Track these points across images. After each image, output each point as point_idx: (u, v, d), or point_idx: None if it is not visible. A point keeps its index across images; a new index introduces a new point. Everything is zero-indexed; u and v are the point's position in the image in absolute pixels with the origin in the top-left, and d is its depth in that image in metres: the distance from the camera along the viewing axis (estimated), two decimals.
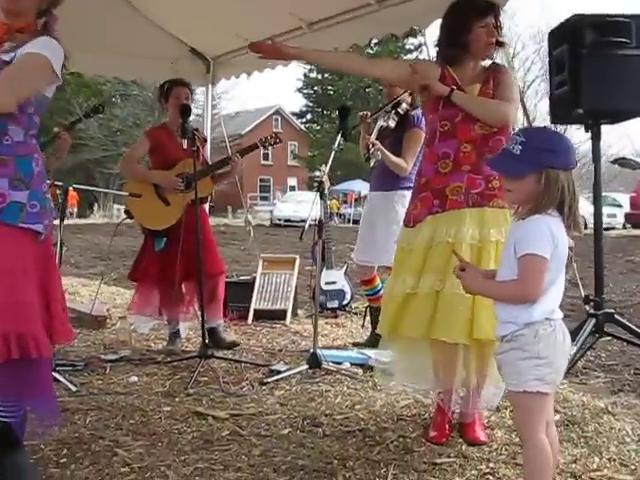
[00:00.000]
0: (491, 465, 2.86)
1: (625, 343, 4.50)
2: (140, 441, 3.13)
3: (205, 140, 5.30)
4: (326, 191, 4.52)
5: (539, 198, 2.20)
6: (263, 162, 47.67)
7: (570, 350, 2.32)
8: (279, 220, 27.45)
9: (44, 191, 2.52)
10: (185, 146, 4.75)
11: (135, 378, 4.18)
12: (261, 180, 48.18)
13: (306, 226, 4.35)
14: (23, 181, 2.43)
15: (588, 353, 4.84)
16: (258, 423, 3.38)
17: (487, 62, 3.31)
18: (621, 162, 6.15)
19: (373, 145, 4.67)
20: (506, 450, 3.02)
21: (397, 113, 4.86)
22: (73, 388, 3.88)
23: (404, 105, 4.84)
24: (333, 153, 4.53)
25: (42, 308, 2.45)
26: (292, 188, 43.87)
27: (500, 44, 3.23)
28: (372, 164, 4.97)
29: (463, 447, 3.07)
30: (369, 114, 4.91)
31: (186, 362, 4.50)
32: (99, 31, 5.72)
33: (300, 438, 3.18)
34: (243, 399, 3.78)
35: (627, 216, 21.33)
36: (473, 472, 2.80)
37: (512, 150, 2.23)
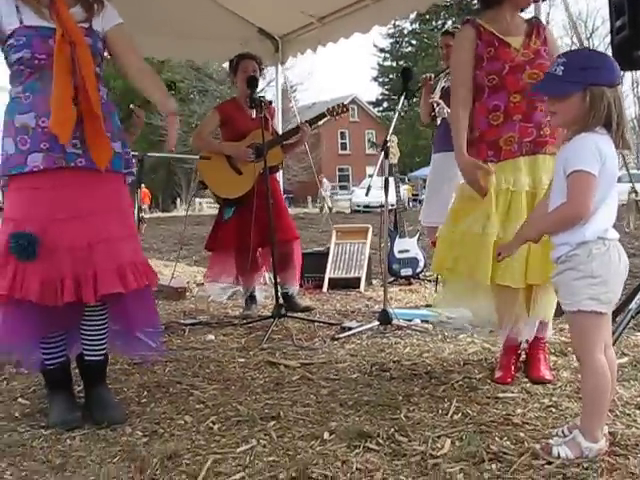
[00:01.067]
0: (554, 399, 2.90)
1: None
2: (214, 385, 3.29)
3: (273, 108, 5.43)
4: (394, 151, 4.57)
5: (585, 117, 2.23)
6: (341, 152, 47.86)
7: (626, 270, 2.32)
8: (358, 206, 27.55)
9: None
10: (254, 116, 4.89)
11: (212, 336, 4.37)
12: (339, 170, 48.32)
13: (371, 180, 4.43)
14: (117, 134, 2.85)
15: None
16: (327, 369, 3.50)
17: (525, 15, 3.33)
18: None
19: (438, 104, 4.71)
20: (570, 387, 3.05)
21: None
22: (153, 345, 4.08)
23: None
24: (396, 114, 4.61)
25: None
26: (370, 176, 43.85)
27: None
28: (438, 123, 5.01)
29: (527, 385, 3.11)
30: (432, 76, 4.96)
31: (261, 323, 4.66)
32: (169, 15, 5.94)
33: (367, 380, 3.29)
34: (315, 352, 3.90)
35: None
36: (535, 405, 2.84)
37: (554, 72, 2.28)
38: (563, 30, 32.75)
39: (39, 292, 2.63)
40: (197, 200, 30.37)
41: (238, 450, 2.45)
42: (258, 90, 4.91)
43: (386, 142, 4.48)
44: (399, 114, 4.59)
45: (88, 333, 2.91)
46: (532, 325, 3.20)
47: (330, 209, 24.93)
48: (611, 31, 3.93)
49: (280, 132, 5.55)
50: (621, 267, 2.30)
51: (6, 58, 2.75)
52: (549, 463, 2.21)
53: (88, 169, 2.73)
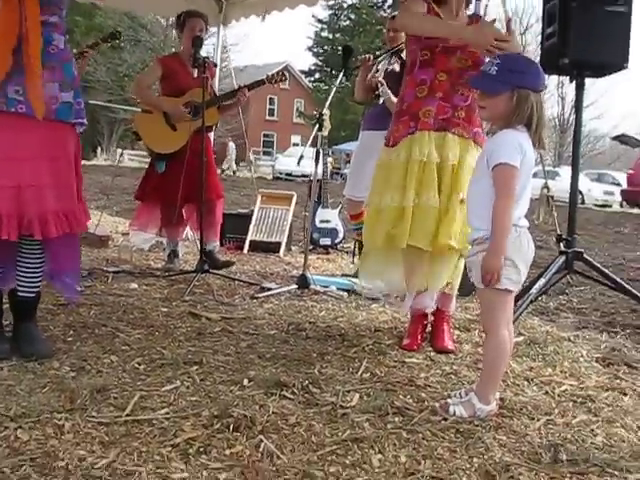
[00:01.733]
0: (455, 367, 3.17)
1: (594, 283, 4.77)
2: (138, 330, 3.45)
3: (215, 66, 5.53)
4: (326, 124, 4.77)
5: (510, 115, 2.49)
6: (268, 117, 47.77)
7: (532, 256, 2.60)
8: (280, 174, 27.71)
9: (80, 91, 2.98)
10: (195, 75, 4.98)
11: (135, 285, 4.51)
12: (265, 135, 48.25)
13: (303, 153, 4.60)
14: (69, 84, 2.90)
15: (561, 297, 5.18)
16: (247, 325, 3.70)
17: (469, 12, 3.57)
18: (622, 139, 6.40)
19: (382, 84, 4.88)
20: (470, 358, 3.34)
21: (400, 58, 5.11)
22: (78, 289, 4.18)
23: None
24: (333, 90, 4.80)
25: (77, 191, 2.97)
26: (295, 145, 43.98)
27: None
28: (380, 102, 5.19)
29: (432, 354, 3.38)
30: (371, 57, 5.14)
31: (183, 276, 4.81)
32: None
33: (284, 337, 3.50)
34: (235, 308, 4.09)
35: (623, 193, 21.52)
36: (437, 371, 3.11)
37: (488, 71, 2.52)
38: (498, 24, 33.28)
39: None
40: (118, 150, 29.89)
41: (163, 389, 2.63)
42: None
43: (321, 115, 4.66)
44: (335, 90, 4.77)
45: (24, 269, 3.01)
46: (431, 295, 3.49)
47: (234, 172, 24.96)
48: (542, 37, 4.21)
49: (216, 92, 5.65)
50: (529, 253, 2.58)
51: None
52: (445, 419, 2.48)
53: (28, 116, 2.79)
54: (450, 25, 3.30)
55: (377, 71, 5.06)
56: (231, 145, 29.34)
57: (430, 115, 3.32)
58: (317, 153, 4.65)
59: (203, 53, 5.04)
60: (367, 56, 5.17)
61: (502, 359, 2.58)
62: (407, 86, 3.45)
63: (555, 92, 39.28)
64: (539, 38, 4.53)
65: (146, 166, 5.39)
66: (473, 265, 2.62)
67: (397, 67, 5.09)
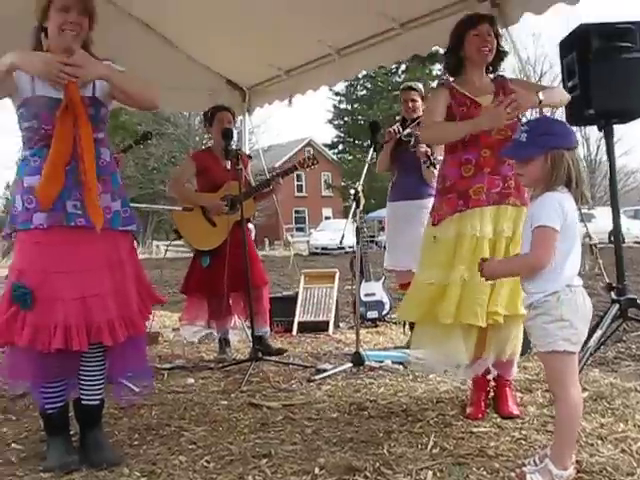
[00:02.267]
0: (523, 432, 3.13)
1: None
2: (202, 426, 3.45)
3: (250, 157, 5.67)
4: (362, 202, 4.83)
5: (548, 178, 2.52)
6: (297, 194, 48.28)
7: (590, 313, 2.59)
8: (316, 249, 27.86)
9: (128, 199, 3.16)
10: (229, 167, 5.09)
11: (192, 380, 4.53)
12: (296, 212, 48.69)
13: (344, 231, 4.66)
14: (117, 193, 3.05)
15: (619, 345, 5.10)
16: (308, 410, 3.69)
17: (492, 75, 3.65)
18: None
19: (432, 153, 4.95)
20: (537, 421, 3.29)
21: None
22: (136, 389, 4.22)
23: None
24: (366, 166, 4.87)
25: (137, 294, 3.08)
26: (327, 218, 44.29)
27: (500, 53, 3.57)
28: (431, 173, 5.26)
29: (498, 420, 3.35)
30: (399, 130, 5.23)
31: (238, 366, 4.83)
32: (140, 67, 6.11)
33: (347, 419, 3.48)
34: (293, 393, 4.09)
35: None
36: (507, 438, 3.07)
37: (519, 139, 2.57)
38: (513, 74, 33.65)
39: (30, 338, 2.81)
40: (154, 243, 30.37)
41: None
42: None
43: (357, 193, 4.73)
44: (368, 165, 4.85)
45: (86, 378, 3.06)
46: (490, 362, 3.47)
47: (292, 245, 25.15)
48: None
49: (251, 182, 5.76)
50: (586, 310, 2.58)
51: (18, 123, 2.96)
52: None
53: (86, 228, 2.91)
54: (466, 124, 3.36)
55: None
56: (250, 227, 29.66)
57: (482, 192, 3.37)
58: (357, 231, 4.70)
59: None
60: (394, 129, 5.26)
61: (575, 421, 2.55)
62: (449, 165, 3.51)
63: (578, 133, 39.34)
64: (554, 84, 4.58)
65: (182, 255, 5.49)
66: (532, 330, 2.62)
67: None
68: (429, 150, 4.99)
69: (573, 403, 2.52)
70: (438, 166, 5.01)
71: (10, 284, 2.86)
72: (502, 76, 3.65)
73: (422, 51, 5.13)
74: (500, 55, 3.57)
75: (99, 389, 3.10)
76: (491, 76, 3.62)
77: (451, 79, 3.60)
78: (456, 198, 3.43)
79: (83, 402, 3.09)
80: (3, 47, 2.86)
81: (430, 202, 5.03)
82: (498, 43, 3.52)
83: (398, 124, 5.35)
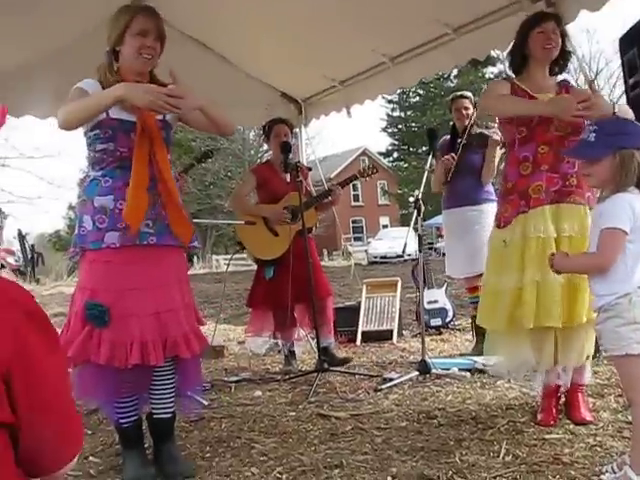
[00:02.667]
0: (598, 439, 3.07)
1: None
2: (272, 438, 3.48)
3: (310, 169, 5.70)
4: (422, 209, 4.82)
5: (617, 178, 2.47)
6: (354, 203, 48.28)
7: None
8: (375, 258, 27.83)
9: None
10: (289, 180, 5.14)
11: (259, 392, 4.56)
12: (353, 221, 48.69)
13: (407, 239, 4.66)
14: None
15: None
16: (377, 419, 3.68)
17: (559, 77, 3.60)
18: None
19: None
20: (612, 427, 3.23)
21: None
22: (205, 402, 4.28)
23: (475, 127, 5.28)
24: (426, 173, 4.87)
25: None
26: (385, 227, 44.17)
27: (566, 54, 3.53)
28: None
29: (570, 426, 3.29)
30: (453, 158, 5.21)
31: (304, 378, 4.85)
32: (195, 84, 6.22)
33: (417, 428, 3.47)
34: (361, 403, 4.08)
35: None
36: (581, 445, 3.01)
37: (587, 138, 2.53)
38: (568, 73, 33.19)
39: (108, 355, 2.88)
40: (214, 257, 30.74)
41: None
42: None
43: (417, 200, 4.72)
44: (428, 173, 4.86)
45: (158, 392, 3.12)
46: (566, 370, 3.40)
47: (352, 255, 25.16)
48: (625, 88, 4.17)
49: (312, 193, 5.79)
50: None
51: (89, 145, 3.03)
52: None
53: (157, 245, 3.01)
54: (528, 102, 3.35)
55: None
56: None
57: (541, 190, 3.32)
58: (419, 238, 4.69)
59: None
60: (448, 158, 5.25)
61: None
62: (509, 165, 3.48)
63: None
64: (611, 81, 4.48)
65: (242, 269, 5.55)
66: (603, 333, 2.57)
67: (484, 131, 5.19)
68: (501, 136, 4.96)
69: None
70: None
71: (83, 303, 2.92)
72: (567, 81, 3.61)
73: (479, 55, 5.09)
74: (565, 55, 3.52)
75: (171, 402, 3.16)
76: (559, 78, 3.58)
77: (513, 76, 3.58)
78: (518, 199, 3.40)
79: (155, 416, 3.15)
80: (61, 75, 2.97)
81: (485, 206, 5.08)
82: (564, 43, 3.48)
83: (452, 154, 5.32)
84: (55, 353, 0.93)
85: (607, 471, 2.57)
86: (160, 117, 3.05)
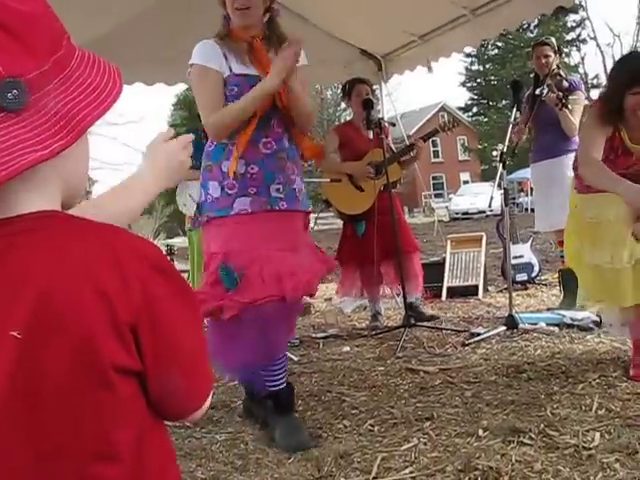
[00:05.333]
0: None
1: None
2: (362, 392, 3.55)
3: (393, 125, 5.68)
4: (507, 163, 4.76)
5: None
6: (434, 160, 47.80)
7: None
8: (457, 214, 27.58)
9: None
10: (371, 137, 5.13)
11: (347, 348, 4.63)
12: (433, 178, 48.23)
13: (493, 191, 4.63)
14: (301, 175, 3.14)
15: None
16: (466, 373, 3.70)
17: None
18: None
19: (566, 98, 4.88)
20: None
21: (559, 75, 5.15)
22: (295, 358, 4.38)
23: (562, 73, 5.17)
24: (510, 127, 4.79)
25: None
26: (465, 182, 43.59)
27: None
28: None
29: None
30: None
31: (391, 333, 4.89)
32: None
33: (506, 382, 3.47)
34: (449, 358, 4.11)
35: None
36: None
37: None
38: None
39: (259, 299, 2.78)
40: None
41: (402, 448, 2.69)
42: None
43: (502, 153, 4.67)
44: (512, 127, 4.78)
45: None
46: None
47: (434, 211, 24.94)
48: None
49: (393, 149, 5.78)
50: None
51: None
52: None
53: (287, 210, 2.96)
54: (616, 184, 3.14)
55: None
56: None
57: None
58: (505, 192, 4.64)
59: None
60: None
61: None
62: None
63: None
64: None
65: (330, 227, 5.59)
66: None
67: (565, 82, 5.08)
68: (560, 93, 4.87)
69: None
70: (570, 106, 4.93)
71: (215, 268, 2.87)
72: None
73: (566, 2, 4.95)
74: None
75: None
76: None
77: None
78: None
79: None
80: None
81: (570, 158, 4.98)
82: None
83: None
84: (185, 307, 0.98)
85: None
86: None
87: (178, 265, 6.50)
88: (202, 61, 2.93)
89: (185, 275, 5.87)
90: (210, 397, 1.06)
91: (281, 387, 3.07)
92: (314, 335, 5.20)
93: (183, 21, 5.18)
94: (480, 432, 2.75)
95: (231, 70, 2.92)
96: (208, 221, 2.96)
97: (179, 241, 19.71)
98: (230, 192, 2.89)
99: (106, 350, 0.89)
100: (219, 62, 2.92)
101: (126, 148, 51.74)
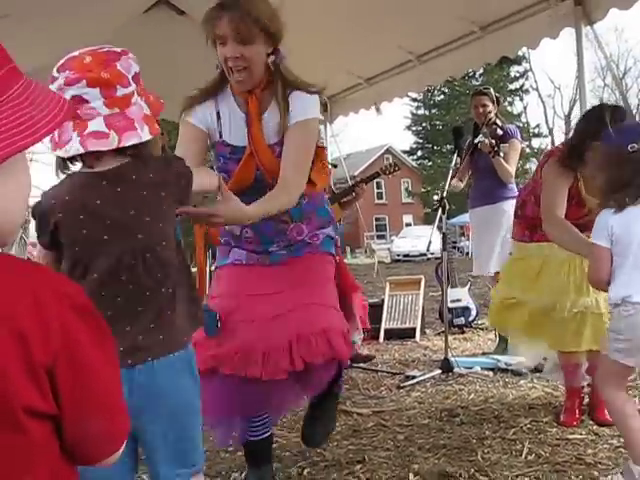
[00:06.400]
0: (622, 440, 3.04)
1: None
2: (294, 433, 3.48)
3: (335, 166, 5.71)
4: (447, 207, 4.83)
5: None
6: (377, 201, 48.22)
7: None
8: (398, 256, 27.80)
9: None
10: None
11: None
12: (376, 219, 48.62)
13: (431, 237, 4.66)
14: (326, 222, 2.77)
15: None
16: (399, 416, 3.69)
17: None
18: None
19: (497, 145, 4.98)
20: None
21: (495, 124, 5.25)
22: None
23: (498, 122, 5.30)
24: (451, 171, 4.87)
25: None
26: (408, 225, 44.05)
27: None
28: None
29: (594, 427, 3.28)
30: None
31: None
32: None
33: (439, 426, 3.47)
34: (383, 400, 4.10)
35: None
36: (605, 446, 3.01)
37: None
38: (595, 72, 33.02)
39: (229, 364, 2.41)
40: None
41: None
42: None
43: (442, 198, 4.73)
44: (452, 172, 4.86)
45: None
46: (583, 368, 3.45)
47: (375, 252, 25.06)
48: None
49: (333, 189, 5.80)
50: None
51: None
52: None
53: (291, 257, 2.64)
54: (581, 245, 3.08)
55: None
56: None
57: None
58: (444, 237, 4.69)
59: None
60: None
61: (622, 424, 2.57)
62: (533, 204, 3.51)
63: None
64: None
65: None
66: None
67: (499, 131, 5.19)
68: (493, 141, 4.99)
69: (615, 409, 2.59)
70: (502, 154, 5.03)
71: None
72: None
73: (510, 53, 5.09)
74: None
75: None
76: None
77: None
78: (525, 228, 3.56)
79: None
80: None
81: (506, 204, 5.11)
82: None
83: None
84: (103, 348, 0.96)
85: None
86: (276, 138, 2.49)
87: None
88: (195, 122, 2.50)
89: None
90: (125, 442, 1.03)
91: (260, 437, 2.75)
92: None
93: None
94: (411, 476, 2.75)
95: (220, 135, 2.54)
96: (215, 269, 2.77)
97: None
98: (226, 241, 2.68)
99: (19, 392, 0.86)
100: (209, 119, 2.52)
101: None
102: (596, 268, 2.58)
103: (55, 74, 1.64)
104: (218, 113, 2.51)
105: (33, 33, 4.55)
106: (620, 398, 2.57)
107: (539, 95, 42.62)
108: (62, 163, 1.74)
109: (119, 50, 1.70)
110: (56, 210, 1.70)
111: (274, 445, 3.26)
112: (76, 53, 1.66)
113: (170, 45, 5.31)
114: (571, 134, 3.51)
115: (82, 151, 1.63)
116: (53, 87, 1.60)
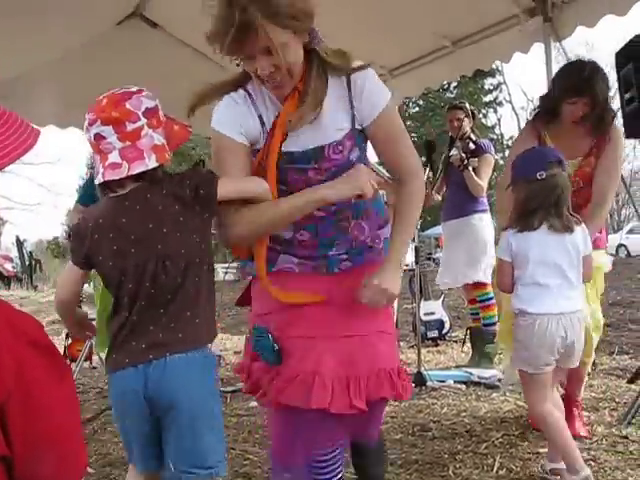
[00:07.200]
0: (592, 453, 3.07)
1: None
2: (267, 449, 3.46)
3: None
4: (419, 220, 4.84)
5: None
6: None
7: (557, 344, 2.63)
8: None
9: None
10: None
11: (254, 403, 4.53)
12: None
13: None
14: (383, 219, 2.51)
15: None
16: None
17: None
18: None
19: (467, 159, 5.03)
20: (606, 440, 3.22)
21: (469, 139, 5.29)
22: None
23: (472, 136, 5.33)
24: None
25: None
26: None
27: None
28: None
29: None
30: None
31: None
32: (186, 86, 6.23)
33: (412, 441, 3.47)
34: None
35: None
36: None
37: None
38: None
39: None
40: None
41: None
42: None
43: None
44: (425, 186, 4.87)
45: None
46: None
47: None
48: (621, 103, 4.18)
49: None
50: (547, 339, 2.61)
51: None
52: None
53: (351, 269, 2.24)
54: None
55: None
56: None
57: None
58: (416, 249, 4.70)
59: None
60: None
61: (551, 433, 2.70)
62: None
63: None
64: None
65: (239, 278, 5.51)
66: None
67: (472, 145, 5.23)
68: (463, 155, 5.04)
69: (541, 418, 2.70)
70: (472, 168, 5.08)
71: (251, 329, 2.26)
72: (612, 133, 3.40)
73: (484, 66, 5.13)
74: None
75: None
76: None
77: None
78: None
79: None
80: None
81: (476, 218, 5.16)
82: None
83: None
84: (60, 386, 0.94)
85: None
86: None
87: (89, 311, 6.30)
88: (219, 126, 2.06)
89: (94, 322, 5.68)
90: None
91: None
92: (222, 389, 5.08)
93: (103, 68, 5.08)
94: None
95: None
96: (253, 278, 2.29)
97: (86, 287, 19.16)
98: (274, 247, 2.19)
99: None
100: (245, 128, 2.08)
101: (40, 188, 50.69)
102: (500, 279, 2.79)
103: (86, 116, 1.91)
104: (260, 117, 2.09)
105: None
106: (545, 409, 2.67)
107: (512, 108, 43.02)
108: (102, 189, 1.97)
109: (134, 89, 1.93)
110: (92, 232, 1.94)
111: (245, 461, 3.26)
112: (101, 96, 1.92)
113: (143, 57, 5.29)
114: (548, 88, 3.51)
115: (102, 180, 1.89)
116: (84, 128, 1.92)
